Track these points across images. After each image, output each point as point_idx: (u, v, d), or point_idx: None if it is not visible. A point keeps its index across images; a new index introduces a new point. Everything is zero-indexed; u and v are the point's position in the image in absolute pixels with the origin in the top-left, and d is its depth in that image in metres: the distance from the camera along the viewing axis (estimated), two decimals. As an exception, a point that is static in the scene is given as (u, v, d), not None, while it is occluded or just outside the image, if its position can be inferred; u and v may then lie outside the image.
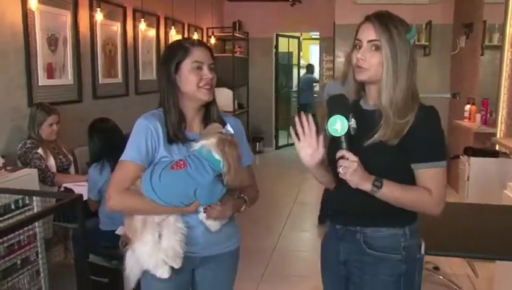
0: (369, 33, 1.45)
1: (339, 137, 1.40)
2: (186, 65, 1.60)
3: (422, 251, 1.55)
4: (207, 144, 1.49)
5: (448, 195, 5.29)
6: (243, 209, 1.67)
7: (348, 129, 1.40)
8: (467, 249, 2.30)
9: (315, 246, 4.26)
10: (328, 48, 7.99)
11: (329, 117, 1.41)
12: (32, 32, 3.62)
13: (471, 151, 4.05)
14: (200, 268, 1.71)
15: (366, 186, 1.39)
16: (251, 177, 1.79)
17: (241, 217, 1.73)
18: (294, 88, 9.69)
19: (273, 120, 8.84)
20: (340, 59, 6.30)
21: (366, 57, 1.45)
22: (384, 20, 1.45)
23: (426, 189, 1.42)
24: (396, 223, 1.50)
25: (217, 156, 1.47)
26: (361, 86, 1.57)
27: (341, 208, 1.58)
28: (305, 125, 1.48)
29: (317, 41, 8.86)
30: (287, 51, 9.17)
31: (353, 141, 1.41)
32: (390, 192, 1.40)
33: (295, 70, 9.67)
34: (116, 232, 2.85)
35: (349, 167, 1.37)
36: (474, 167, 3.95)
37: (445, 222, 2.59)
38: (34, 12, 3.61)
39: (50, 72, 3.86)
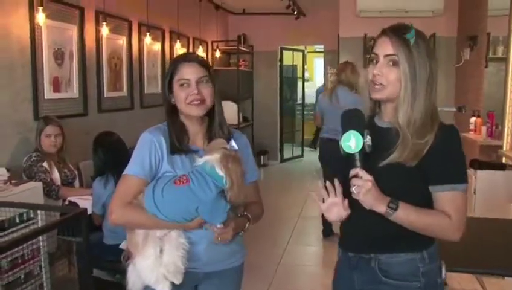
0: (386, 47, 1.37)
1: (353, 154, 1.33)
2: (175, 83, 1.62)
3: (443, 275, 1.45)
4: (210, 160, 1.47)
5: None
6: (246, 227, 1.64)
7: (363, 146, 1.33)
8: (475, 265, 2.26)
9: (320, 260, 4.28)
10: (332, 60, 7.99)
11: (344, 133, 1.35)
12: (39, 47, 3.66)
13: (477, 164, 4.02)
14: (203, 284, 1.68)
15: (381, 208, 1.32)
16: (256, 194, 1.78)
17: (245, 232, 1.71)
18: (299, 101, 9.69)
19: (278, 133, 8.82)
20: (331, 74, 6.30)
21: (384, 72, 1.38)
22: (401, 33, 1.37)
23: (445, 213, 1.34)
24: (414, 247, 1.41)
25: (220, 173, 1.45)
26: (376, 102, 1.49)
27: (354, 232, 1.48)
28: (331, 191, 1.40)
29: (322, 54, 8.87)
30: (291, 64, 9.20)
31: (368, 159, 1.34)
32: (406, 215, 1.33)
33: (300, 83, 9.68)
34: (120, 246, 2.83)
35: (363, 187, 1.30)
36: (480, 180, 3.91)
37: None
38: (42, 27, 3.66)
39: (56, 86, 3.88)
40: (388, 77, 1.38)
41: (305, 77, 10.01)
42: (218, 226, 1.51)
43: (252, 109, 8.57)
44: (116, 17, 4.74)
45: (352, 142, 1.33)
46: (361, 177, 1.31)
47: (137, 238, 1.55)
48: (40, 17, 3.57)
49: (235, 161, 1.48)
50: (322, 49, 8.73)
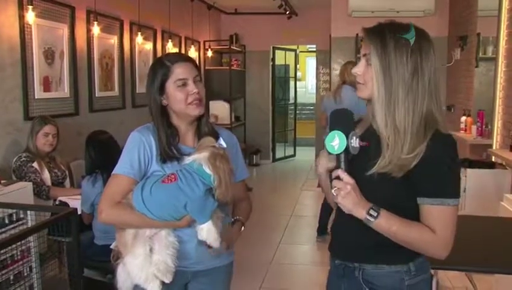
0: (364, 46, 1.32)
1: (338, 155, 1.28)
2: (171, 84, 1.60)
3: (434, 287, 1.39)
4: (198, 158, 1.47)
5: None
6: (242, 230, 1.67)
7: (347, 148, 1.26)
8: (465, 263, 2.26)
9: (313, 259, 4.28)
10: (324, 60, 8.04)
11: (329, 132, 1.29)
12: (29, 46, 3.63)
13: (467, 163, 4.05)
14: (192, 283, 1.68)
15: (360, 213, 1.25)
16: (244, 192, 1.79)
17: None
18: (291, 100, 9.72)
19: (270, 133, 8.83)
20: (337, 71, 6.32)
21: (362, 71, 1.33)
22: (378, 29, 1.30)
23: (430, 228, 1.26)
24: (399, 259, 1.34)
25: (208, 170, 1.45)
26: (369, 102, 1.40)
27: (340, 238, 1.44)
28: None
29: (314, 54, 8.90)
30: (283, 63, 9.22)
31: (354, 163, 1.28)
32: (387, 224, 1.25)
33: (292, 83, 9.69)
34: (111, 246, 2.83)
35: (342, 189, 1.25)
36: (470, 178, 3.94)
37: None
38: (31, 26, 3.63)
39: (46, 85, 3.86)
40: (365, 76, 1.32)
41: (298, 77, 10.01)
42: (213, 245, 1.51)
43: (244, 108, 8.57)
44: (107, 16, 4.71)
45: (335, 142, 1.27)
46: (342, 180, 1.26)
47: (127, 238, 1.54)
48: (30, 16, 3.54)
49: (223, 159, 1.47)
50: (314, 49, 8.77)
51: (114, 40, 4.91)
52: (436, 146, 1.24)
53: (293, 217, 5.42)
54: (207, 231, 1.49)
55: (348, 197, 1.25)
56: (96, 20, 4.40)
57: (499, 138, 4.36)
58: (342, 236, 1.43)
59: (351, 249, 1.40)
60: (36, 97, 3.73)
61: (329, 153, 1.29)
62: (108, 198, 1.55)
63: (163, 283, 1.53)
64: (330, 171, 1.31)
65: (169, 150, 1.59)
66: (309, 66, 11.74)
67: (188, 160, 1.50)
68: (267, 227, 4.96)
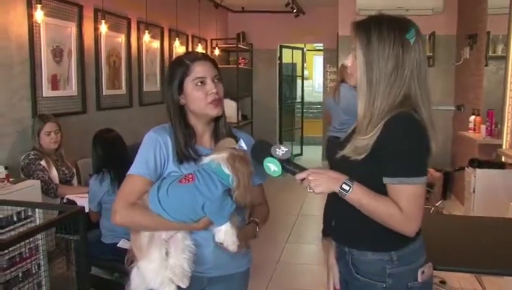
0: (352, 39, 1.39)
1: (285, 169, 1.39)
2: (189, 83, 1.57)
3: (419, 279, 1.40)
4: (217, 158, 1.45)
5: (454, 208, 5.27)
6: (257, 233, 1.64)
7: (282, 160, 1.38)
8: (474, 264, 2.25)
9: (320, 259, 4.24)
10: (331, 59, 8.00)
11: (262, 165, 1.41)
12: (38, 45, 3.64)
13: (476, 163, 4.02)
14: (208, 289, 1.63)
15: (335, 187, 1.34)
16: (262, 196, 1.78)
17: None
18: (298, 99, 9.69)
19: (277, 131, 8.81)
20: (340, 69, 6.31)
21: (351, 62, 1.41)
22: (364, 24, 1.37)
23: (397, 205, 1.31)
24: (380, 247, 1.39)
25: (227, 171, 1.42)
26: None
27: (331, 222, 1.51)
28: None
29: (321, 53, 8.86)
30: (291, 62, 9.20)
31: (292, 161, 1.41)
32: (358, 198, 1.32)
33: (299, 82, 9.67)
34: (118, 245, 2.85)
35: (310, 183, 1.34)
36: (480, 178, 3.91)
37: (452, 235, 2.56)
38: (40, 25, 3.64)
39: (54, 84, 3.87)
40: (352, 67, 1.40)
41: (305, 75, 9.99)
42: (230, 249, 1.49)
43: (252, 107, 8.56)
44: (114, 14, 4.72)
45: (272, 169, 1.39)
46: (303, 179, 1.36)
47: (142, 241, 1.51)
48: (39, 15, 3.55)
49: (243, 160, 1.45)
50: (322, 48, 8.72)
51: (121, 38, 4.92)
52: (391, 126, 1.30)
53: (300, 216, 5.42)
54: (225, 233, 1.46)
55: (317, 184, 1.34)
56: (104, 19, 4.41)
57: (509, 137, 4.32)
58: (333, 219, 1.50)
59: (340, 233, 1.48)
60: (44, 95, 3.74)
61: (279, 176, 1.41)
62: (123, 199, 1.51)
63: (179, 287, 1.50)
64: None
65: (186, 150, 1.56)
66: (316, 64, 11.71)
67: (206, 160, 1.48)
68: (274, 226, 4.95)
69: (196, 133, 1.63)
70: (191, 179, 1.45)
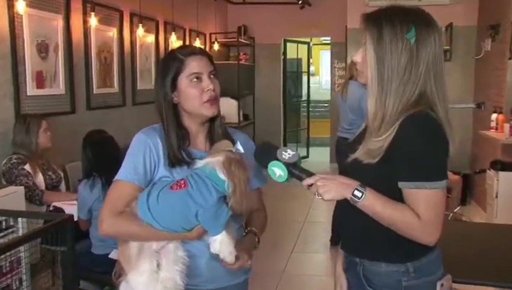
0: (362, 33, 1.39)
1: (291, 174, 1.38)
2: (183, 79, 1.56)
3: None
4: (211, 162, 1.43)
5: (475, 214, 5.21)
6: (257, 244, 1.63)
7: (288, 164, 1.37)
8: (497, 277, 2.20)
9: (328, 269, 4.21)
10: (339, 53, 7.99)
11: (267, 169, 1.41)
12: (20, 38, 3.61)
13: (499, 165, 3.96)
14: None
15: (347, 194, 1.32)
16: (260, 200, 1.77)
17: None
18: (304, 97, 9.69)
19: (282, 132, 8.80)
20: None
21: (361, 58, 1.40)
22: (375, 17, 1.36)
23: (414, 212, 1.30)
24: (395, 257, 1.38)
25: (222, 176, 1.41)
26: None
27: (343, 230, 1.52)
28: None
29: (328, 47, 8.85)
30: (295, 57, 9.19)
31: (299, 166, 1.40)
32: (371, 206, 1.31)
33: (305, 78, 9.66)
34: (110, 256, 2.81)
35: (318, 189, 1.34)
36: (503, 182, 3.86)
37: (472, 244, 2.52)
38: (22, 16, 3.60)
39: (40, 81, 3.84)
40: (363, 63, 1.39)
41: (311, 71, 9.98)
42: (226, 259, 1.46)
43: (254, 106, 8.56)
44: (105, 6, 4.69)
45: (277, 173, 1.39)
46: (310, 185, 1.36)
47: (131, 252, 1.49)
48: (20, 5, 3.49)
49: (239, 165, 1.43)
50: (329, 41, 8.71)
51: (113, 32, 4.88)
52: (407, 126, 1.29)
53: (307, 224, 5.40)
54: (220, 243, 1.44)
55: (326, 190, 1.33)
56: (94, 11, 4.38)
57: (535, 137, 4.26)
58: (343, 227, 1.51)
59: (351, 242, 1.49)
60: (28, 94, 3.71)
61: (284, 181, 1.40)
62: (110, 207, 1.51)
63: None
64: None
65: (179, 153, 1.55)
66: (323, 59, 11.68)
67: (199, 163, 1.46)
68: (279, 234, 4.93)
69: (190, 134, 1.62)
70: (183, 185, 1.43)
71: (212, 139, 1.63)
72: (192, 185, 1.42)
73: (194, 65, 1.56)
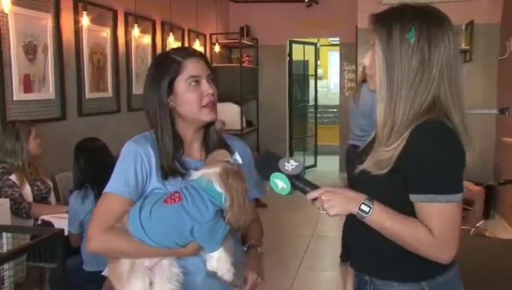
0: (371, 35, 1.39)
1: (295, 186, 1.39)
2: (181, 82, 1.56)
3: None
4: (208, 174, 1.44)
5: (499, 229, 5.17)
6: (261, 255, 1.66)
7: (295, 175, 1.38)
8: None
9: (338, 288, 4.17)
10: (349, 55, 7.99)
11: (269, 181, 1.41)
12: (6, 38, 3.62)
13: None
14: None
15: (353, 209, 1.33)
16: (255, 211, 1.79)
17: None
18: (311, 102, 9.70)
19: (287, 140, 8.81)
20: (362, 68, 6.26)
21: (370, 62, 1.40)
22: (384, 14, 1.36)
23: (427, 227, 1.29)
24: (409, 276, 1.37)
25: (219, 188, 1.41)
26: None
27: (350, 245, 1.54)
28: None
29: (337, 48, 8.90)
30: (302, 59, 9.20)
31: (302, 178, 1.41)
32: (379, 221, 1.31)
33: (312, 82, 9.66)
34: (103, 273, 2.78)
35: (323, 203, 1.34)
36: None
37: (496, 262, 2.49)
38: (8, 15, 3.61)
39: (27, 85, 3.85)
40: (372, 67, 1.39)
41: (318, 75, 9.99)
42: (225, 277, 1.47)
43: (257, 111, 8.58)
44: (98, 5, 4.72)
45: (280, 186, 1.39)
46: (315, 199, 1.35)
47: (122, 269, 1.50)
48: (5, 3, 3.50)
49: (237, 176, 1.44)
50: (338, 42, 8.78)
51: (106, 32, 4.91)
52: (419, 135, 1.29)
53: (314, 238, 5.38)
54: (217, 260, 1.45)
55: (332, 205, 1.33)
56: (86, 10, 4.40)
57: None
58: (352, 243, 1.53)
59: (360, 259, 1.49)
60: (15, 99, 3.72)
61: (288, 194, 1.40)
62: (99, 222, 1.51)
63: None
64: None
65: (173, 163, 1.56)
66: (332, 62, 11.70)
67: (195, 175, 1.47)
68: (284, 250, 4.91)
69: (184, 142, 1.62)
70: (177, 199, 1.44)
71: (207, 147, 1.64)
72: (187, 199, 1.43)
73: (192, 68, 1.57)
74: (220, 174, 1.43)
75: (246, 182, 1.46)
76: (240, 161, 1.58)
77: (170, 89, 1.57)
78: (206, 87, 1.57)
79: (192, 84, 1.56)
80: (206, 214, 1.41)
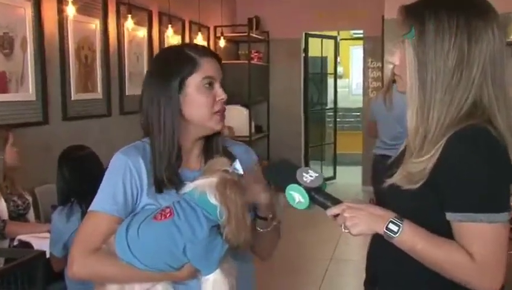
0: (401, 30, 1.40)
1: (314, 200, 1.40)
2: (194, 82, 1.58)
3: None
4: (202, 185, 1.45)
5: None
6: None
7: (310, 189, 1.39)
8: None
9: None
10: (374, 51, 8.04)
11: (285, 193, 1.42)
12: (-24, 31, 3.65)
13: None
14: None
15: (378, 228, 1.34)
16: None
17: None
18: (330, 105, 9.74)
19: (302, 148, 8.85)
20: (391, 65, 6.20)
21: (400, 60, 1.43)
22: (416, 6, 1.38)
23: (466, 251, 1.28)
24: None
25: (213, 201, 1.42)
26: None
27: (379, 273, 1.56)
28: None
29: (361, 42, 8.93)
30: (319, 55, 9.22)
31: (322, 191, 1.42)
32: (410, 242, 1.31)
33: (331, 81, 9.70)
34: (89, 302, 2.75)
35: (345, 221, 1.35)
36: None
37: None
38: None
39: (3, 84, 3.85)
40: (401, 67, 1.42)
41: (338, 73, 10.01)
42: None
43: (268, 115, 8.64)
44: (86, -7, 4.73)
45: (297, 199, 1.41)
46: (338, 215, 1.36)
47: None
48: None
49: (236, 187, 1.43)
50: (361, 35, 8.79)
51: (95, 24, 4.92)
52: (457, 144, 1.29)
53: (333, 262, 5.39)
54: (213, 284, 1.46)
55: (355, 223, 1.34)
56: (71, -2, 4.41)
57: None
58: (380, 267, 1.55)
59: (390, 286, 1.51)
60: (-13, 100, 3.74)
61: (305, 209, 1.41)
62: (83, 243, 1.54)
63: None
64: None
65: (168, 174, 1.58)
66: (354, 58, 11.74)
67: (188, 187, 1.48)
68: (300, 274, 4.91)
69: (182, 150, 1.63)
70: (168, 215, 1.45)
71: (208, 155, 1.66)
72: (179, 214, 1.44)
73: (208, 67, 1.59)
74: (217, 185, 1.43)
75: (246, 194, 1.46)
76: (241, 171, 1.60)
77: (180, 89, 1.59)
78: (220, 92, 1.60)
79: (206, 86, 1.58)
80: (199, 231, 1.42)
